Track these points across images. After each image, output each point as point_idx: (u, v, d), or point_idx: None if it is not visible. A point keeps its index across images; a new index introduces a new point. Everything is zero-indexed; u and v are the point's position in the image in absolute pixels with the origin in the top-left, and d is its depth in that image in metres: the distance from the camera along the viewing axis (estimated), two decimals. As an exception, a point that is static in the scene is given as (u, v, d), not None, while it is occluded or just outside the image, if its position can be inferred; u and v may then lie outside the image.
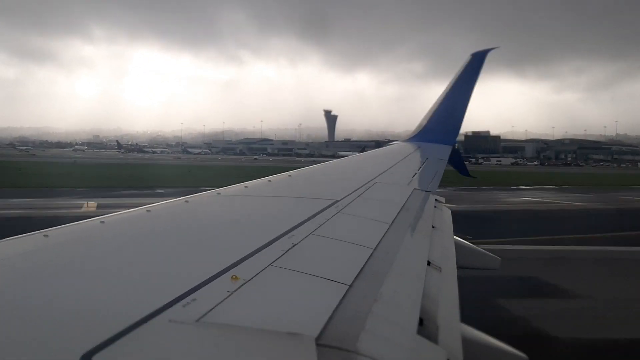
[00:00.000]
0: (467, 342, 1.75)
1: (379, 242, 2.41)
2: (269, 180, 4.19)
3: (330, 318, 1.46)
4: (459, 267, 2.65)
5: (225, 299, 1.51)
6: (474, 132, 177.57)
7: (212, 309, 1.43)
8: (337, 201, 3.20)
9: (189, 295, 1.50)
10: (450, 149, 8.54)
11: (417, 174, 5.53)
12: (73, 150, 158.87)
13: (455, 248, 3.06)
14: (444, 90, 9.26)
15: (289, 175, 4.60)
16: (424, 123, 9.30)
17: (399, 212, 3.29)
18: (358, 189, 3.85)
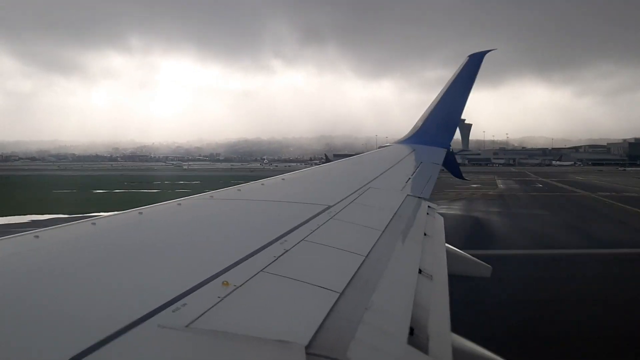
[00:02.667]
0: (457, 352, 1.75)
1: (371, 249, 2.41)
2: (263, 184, 4.18)
3: (321, 326, 1.46)
4: (450, 275, 2.65)
5: (215, 304, 1.50)
6: (635, 139, 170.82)
7: (202, 314, 1.42)
8: (330, 207, 3.20)
9: (179, 300, 1.49)
10: (445, 152, 8.46)
11: (410, 179, 5.53)
12: (176, 164, 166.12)
13: (447, 256, 3.06)
14: (440, 92, 9.14)
15: (283, 179, 4.59)
16: (420, 124, 9.18)
17: (392, 219, 3.30)
18: (351, 194, 3.85)
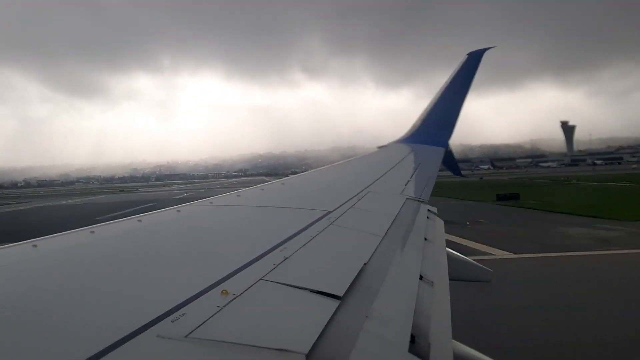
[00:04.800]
0: None
1: (371, 256, 2.40)
2: (262, 189, 4.17)
3: (321, 335, 1.45)
4: (450, 280, 2.64)
5: (215, 314, 1.49)
6: None
7: (202, 324, 1.41)
8: (329, 212, 3.19)
9: (178, 310, 1.47)
10: (444, 151, 8.40)
11: (410, 182, 5.51)
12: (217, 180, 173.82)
13: (448, 260, 3.05)
14: (439, 90, 9.08)
15: (282, 184, 4.58)
16: (419, 123, 9.14)
17: (392, 224, 3.28)
18: (351, 198, 3.84)
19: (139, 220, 2.65)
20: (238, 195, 3.78)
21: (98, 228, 2.47)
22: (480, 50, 8.97)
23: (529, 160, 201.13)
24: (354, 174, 6.41)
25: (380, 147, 9.39)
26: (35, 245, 2.06)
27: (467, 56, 8.96)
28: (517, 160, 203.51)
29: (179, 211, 3.03)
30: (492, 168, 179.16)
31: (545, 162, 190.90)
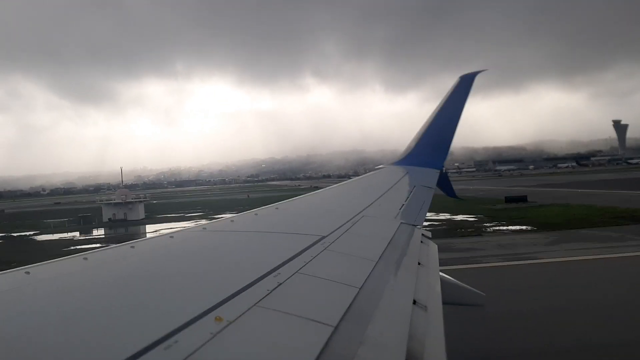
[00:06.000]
0: None
1: (365, 281, 2.40)
2: (256, 214, 4.17)
3: None
4: (443, 304, 2.64)
5: (208, 341, 1.48)
6: None
7: (195, 351, 1.40)
8: (323, 237, 3.20)
9: (171, 337, 1.47)
10: (438, 173, 8.50)
11: (404, 206, 5.54)
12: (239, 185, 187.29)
13: (441, 285, 3.05)
14: (433, 112, 9.22)
15: (277, 208, 4.59)
16: (413, 145, 9.24)
17: (385, 248, 3.29)
18: (345, 223, 3.86)
19: (132, 247, 2.65)
20: (232, 221, 3.78)
21: (90, 255, 2.46)
22: (472, 73, 9.21)
23: (608, 157, 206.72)
24: (349, 197, 6.42)
25: (377, 168, 9.48)
26: (28, 272, 2.05)
27: (459, 79, 9.16)
28: (594, 159, 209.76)
29: (172, 237, 3.02)
30: (577, 166, 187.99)
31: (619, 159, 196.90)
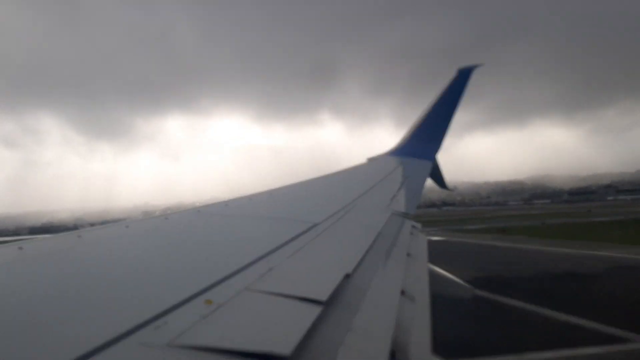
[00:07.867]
0: None
1: (354, 269, 2.43)
2: (250, 199, 4.19)
3: (302, 346, 1.47)
4: (431, 295, 2.68)
5: (197, 322, 1.50)
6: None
7: (184, 332, 1.42)
8: (316, 224, 3.22)
9: (161, 317, 1.49)
10: (431, 164, 8.58)
11: (396, 196, 5.58)
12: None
13: (429, 276, 3.09)
14: (429, 104, 9.26)
15: (270, 194, 4.60)
16: (408, 136, 9.29)
17: (376, 238, 3.32)
18: (338, 211, 3.88)
19: (126, 226, 2.66)
20: (226, 205, 3.79)
21: (85, 232, 2.47)
22: (470, 66, 9.20)
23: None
24: (343, 186, 6.44)
25: (370, 159, 9.48)
26: (21, 248, 2.06)
27: (457, 72, 9.17)
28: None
29: (166, 218, 3.03)
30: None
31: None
